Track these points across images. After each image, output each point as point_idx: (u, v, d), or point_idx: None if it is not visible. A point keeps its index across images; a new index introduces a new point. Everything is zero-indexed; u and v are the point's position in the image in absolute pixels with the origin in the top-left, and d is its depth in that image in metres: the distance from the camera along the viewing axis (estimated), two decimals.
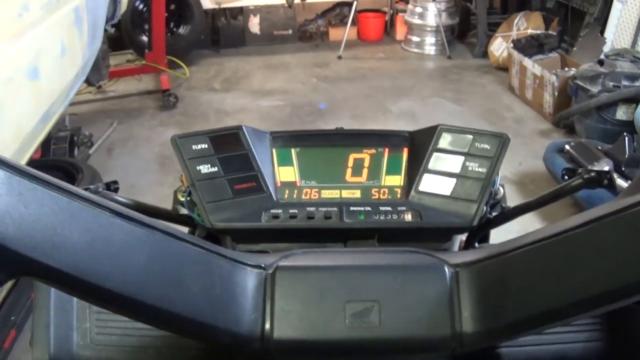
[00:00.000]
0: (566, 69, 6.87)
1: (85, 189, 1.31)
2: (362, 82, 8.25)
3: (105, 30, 5.97)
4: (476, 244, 1.48)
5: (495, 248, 0.90)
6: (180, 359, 1.10)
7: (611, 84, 5.83)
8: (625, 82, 5.78)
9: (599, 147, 4.96)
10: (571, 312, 0.80)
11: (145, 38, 8.09)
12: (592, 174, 1.33)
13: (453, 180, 1.29)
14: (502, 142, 1.30)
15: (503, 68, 8.28)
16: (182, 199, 1.35)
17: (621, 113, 5.75)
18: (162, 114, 7.23)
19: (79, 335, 1.11)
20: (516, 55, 7.44)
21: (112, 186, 1.46)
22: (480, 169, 1.28)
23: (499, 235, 1.23)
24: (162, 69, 7.50)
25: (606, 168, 1.34)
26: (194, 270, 0.84)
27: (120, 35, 8.40)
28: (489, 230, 1.49)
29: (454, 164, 1.30)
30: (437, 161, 1.32)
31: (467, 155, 1.30)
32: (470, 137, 1.31)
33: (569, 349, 1.10)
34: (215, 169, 1.29)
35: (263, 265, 0.91)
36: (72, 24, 4.40)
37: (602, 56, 6.42)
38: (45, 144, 5.37)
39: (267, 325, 0.87)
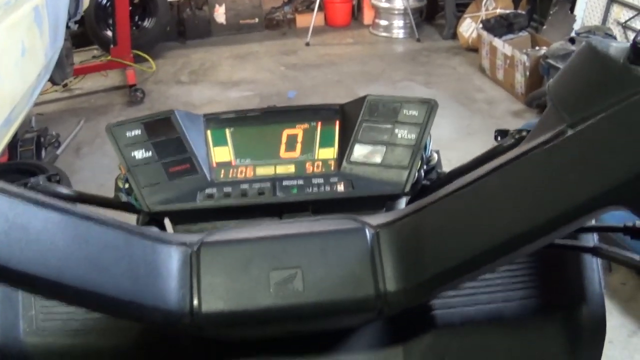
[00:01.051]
0: (537, 48, 6.85)
1: (26, 182, 1.38)
2: (331, 68, 8.19)
3: (68, 27, 5.88)
4: None
5: (413, 206, 0.92)
6: (121, 339, 1.11)
7: None
8: None
9: None
10: (487, 260, 0.83)
11: (110, 33, 7.89)
12: (524, 133, 1.29)
13: (383, 149, 1.30)
14: (430, 107, 1.31)
15: (473, 49, 8.24)
16: (122, 186, 1.35)
17: None
18: (130, 110, 7.13)
19: (25, 323, 1.12)
20: (486, 35, 7.41)
21: (52, 179, 1.46)
22: (409, 136, 1.29)
23: None
24: (128, 63, 7.40)
25: None
26: (116, 253, 0.85)
27: (85, 31, 8.23)
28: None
29: (383, 132, 1.32)
30: (366, 131, 1.33)
31: (396, 122, 1.31)
32: (398, 105, 1.33)
33: (504, 307, 1.11)
34: (150, 153, 1.30)
35: (187, 242, 0.94)
36: (33, 23, 4.30)
37: (572, 34, 6.38)
38: (12, 147, 5.28)
39: (195, 301, 0.90)
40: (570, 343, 1.11)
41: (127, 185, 1.32)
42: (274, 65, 8.43)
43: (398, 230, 0.92)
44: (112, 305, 0.84)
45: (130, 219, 1.37)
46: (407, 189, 1.27)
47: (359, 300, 0.90)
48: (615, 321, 3.89)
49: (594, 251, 1.07)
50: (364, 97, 1.36)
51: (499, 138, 1.37)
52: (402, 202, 1.38)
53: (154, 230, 1.01)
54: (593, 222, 1.08)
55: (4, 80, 3.71)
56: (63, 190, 1.42)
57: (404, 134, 1.30)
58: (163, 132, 1.32)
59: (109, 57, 7.50)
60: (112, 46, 7.44)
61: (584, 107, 0.75)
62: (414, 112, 1.31)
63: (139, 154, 1.29)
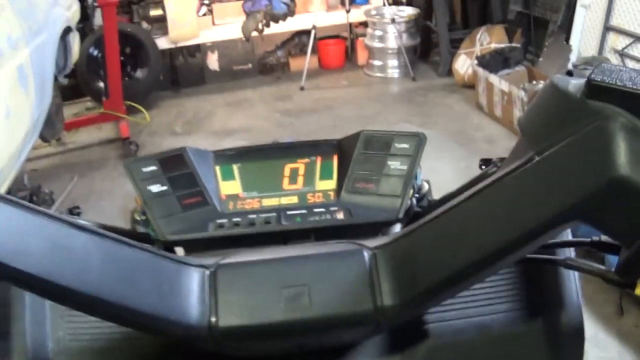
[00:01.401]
0: (534, 82, 6.74)
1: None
2: (327, 113, 8.10)
3: (58, 81, 5.83)
4: None
5: (406, 229, 1.04)
6: (144, 356, 1.18)
7: None
8: None
9: None
10: (471, 272, 0.94)
11: (102, 84, 7.82)
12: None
13: (378, 179, 1.40)
14: (420, 140, 1.41)
15: (469, 85, 8.13)
16: (138, 218, 1.44)
17: None
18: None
19: (53, 343, 1.18)
20: (481, 72, 7.33)
21: (74, 211, 1.57)
22: (401, 167, 1.40)
23: None
24: (121, 115, 7.31)
25: None
26: (144, 272, 0.96)
27: (78, 83, 8.21)
28: None
29: (378, 164, 1.41)
30: (362, 163, 1.43)
31: (389, 155, 1.41)
32: (390, 138, 1.43)
33: (491, 319, 1.20)
34: (165, 187, 1.38)
35: (206, 265, 1.04)
36: (16, 84, 4.21)
37: (570, 66, 6.30)
38: None
39: (213, 317, 0.99)
40: (552, 350, 1.19)
41: (144, 218, 1.39)
42: (268, 112, 8.35)
43: (392, 251, 1.03)
44: (140, 319, 0.93)
45: None
46: (401, 215, 1.36)
47: (360, 313, 1.00)
48: None
49: (565, 263, 1.13)
50: (359, 132, 1.45)
51: (483, 167, 1.44)
52: (397, 228, 1.42)
53: (176, 255, 1.12)
54: (569, 237, 1.20)
55: None
56: (84, 222, 1.37)
57: (397, 165, 1.40)
58: (176, 167, 1.40)
59: (102, 110, 7.41)
60: (104, 98, 7.35)
61: (548, 136, 0.87)
62: (405, 145, 1.41)
63: (155, 188, 1.37)
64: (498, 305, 1.21)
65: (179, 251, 1.43)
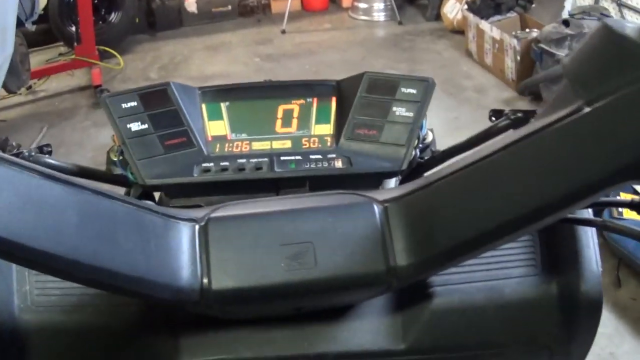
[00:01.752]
0: (527, 30, 6.53)
1: (18, 154, 1.41)
2: (309, 57, 7.87)
3: (25, 27, 5.61)
4: None
5: (420, 182, 0.96)
6: (120, 315, 1.11)
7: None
8: None
9: None
10: (499, 234, 0.87)
11: (74, 29, 7.46)
12: (519, 114, 1.37)
13: (381, 126, 1.34)
14: (428, 86, 1.36)
15: (459, 31, 7.90)
16: (115, 159, 1.39)
17: None
18: (96, 113, 6.75)
19: (19, 299, 1.11)
20: (472, 18, 7.09)
21: (44, 149, 1.50)
22: (407, 114, 1.33)
23: None
24: (93, 62, 7.06)
25: None
26: (127, 227, 0.87)
27: (50, 28, 7.90)
28: (421, 175, 1.50)
29: (382, 109, 1.35)
30: (364, 108, 1.36)
31: (394, 100, 1.35)
32: (397, 82, 1.36)
33: (503, 284, 1.14)
34: (146, 126, 1.31)
35: (195, 218, 0.96)
36: None
37: (565, 14, 6.10)
38: None
39: (205, 278, 0.91)
40: (567, 320, 1.14)
41: (121, 158, 1.36)
42: (248, 56, 8.09)
43: (406, 205, 0.96)
44: (123, 283, 0.85)
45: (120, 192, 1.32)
46: (405, 166, 1.31)
47: (371, 274, 0.94)
48: (627, 345, 3.56)
49: (604, 225, 1.08)
50: (362, 74, 1.39)
51: (493, 118, 1.44)
52: (393, 181, 1.41)
53: (160, 206, 1.00)
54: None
55: None
56: (55, 162, 1.44)
57: (402, 112, 1.34)
58: (159, 104, 1.33)
59: (74, 56, 7.15)
60: (76, 44, 7.09)
61: (601, 84, 0.77)
62: (412, 90, 1.35)
63: (134, 126, 1.31)
64: (510, 269, 1.16)
65: (159, 197, 1.44)
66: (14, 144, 4.50)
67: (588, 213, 1.16)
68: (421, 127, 1.36)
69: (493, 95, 6.43)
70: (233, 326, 1.09)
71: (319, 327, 1.09)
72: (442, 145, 1.50)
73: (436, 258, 0.92)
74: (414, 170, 1.42)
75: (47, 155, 1.47)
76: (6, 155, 0.77)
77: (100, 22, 8.03)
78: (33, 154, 1.43)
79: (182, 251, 0.92)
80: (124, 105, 1.32)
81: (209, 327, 1.08)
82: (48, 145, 1.52)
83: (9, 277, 1.11)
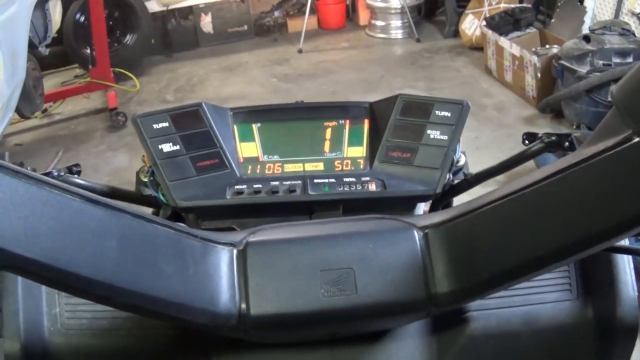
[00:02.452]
0: (547, 46, 6.50)
1: (47, 174, 1.34)
2: (327, 77, 7.83)
3: (39, 50, 5.64)
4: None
5: (461, 207, 0.94)
6: (152, 339, 1.09)
7: (601, 62, 5.41)
8: (616, 60, 5.38)
9: None
10: (543, 263, 0.84)
11: (89, 51, 7.48)
12: (553, 137, 1.35)
13: (415, 149, 1.33)
14: (463, 109, 1.34)
15: (477, 47, 7.84)
16: (145, 180, 1.38)
17: None
18: (111, 136, 6.76)
19: (49, 321, 1.09)
20: (491, 34, 7.00)
21: (74, 169, 1.47)
22: (441, 137, 1.32)
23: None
24: (109, 84, 7.02)
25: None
26: (167, 252, 0.85)
27: (66, 50, 7.98)
28: (452, 198, 1.55)
29: (416, 132, 1.34)
30: (398, 130, 1.35)
31: (428, 123, 1.34)
32: (431, 105, 1.35)
33: (539, 309, 1.13)
34: (177, 147, 1.30)
35: (233, 242, 0.94)
36: None
37: (585, 28, 6.07)
38: None
39: (243, 303, 0.89)
40: (602, 346, 1.12)
41: (152, 179, 1.35)
42: (264, 76, 8.07)
43: (447, 232, 0.93)
44: (161, 307, 0.83)
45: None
46: (439, 190, 1.30)
47: (411, 301, 0.92)
48: None
49: None
50: (396, 96, 1.39)
51: (527, 142, 1.42)
52: (424, 203, 1.42)
53: (197, 229, 0.96)
54: None
55: None
56: (83, 182, 1.42)
57: (436, 135, 1.32)
58: (191, 124, 1.32)
59: (89, 78, 7.10)
60: (91, 66, 7.07)
61: None
62: (447, 113, 1.34)
63: (166, 147, 1.30)
64: (546, 294, 1.14)
65: (189, 218, 1.40)
66: (28, 168, 4.49)
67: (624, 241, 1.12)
68: (455, 150, 1.35)
69: (514, 114, 6.37)
70: (268, 350, 1.07)
71: (355, 352, 1.07)
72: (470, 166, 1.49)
73: (476, 286, 0.91)
74: (446, 193, 1.42)
75: (76, 176, 1.45)
76: (47, 178, 0.75)
77: (116, 44, 8.10)
78: (62, 174, 1.41)
79: (220, 276, 0.90)
80: (155, 126, 1.31)
81: (244, 351, 1.07)
82: (77, 165, 1.49)
83: (39, 299, 1.10)
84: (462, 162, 1.44)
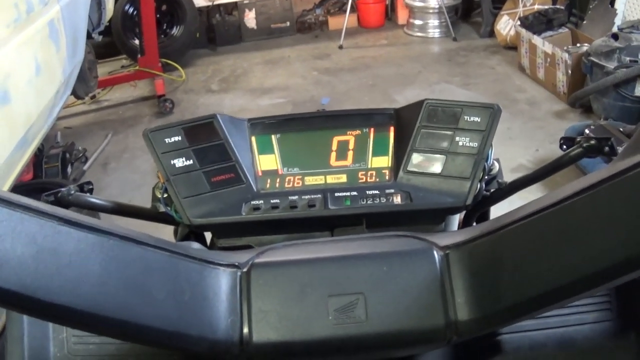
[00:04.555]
0: (578, 44, 6.61)
1: (56, 193, 1.36)
2: (366, 71, 7.98)
3: (92, 38, 5.78)
4: (474, 224, 1.43)
5: (487, 225, 0.86)
6: None
7: (628, 59, 5.55)
8: None
9: (621, 129, 4.71)
10: (573, 292, 0.76)
11: (137, 42, 7.74)
12: (592, 141, 1.27)
13: (443, 158, 1.25)
14: (494, 113, 1.25)
15: (512, 47, 7.99)
16: (160, 196, 1.31)
17: None
18: (159, 121, 6.97)
19: (55, 347, 1.07)
20: (524, 33, 7.16)
21: (85, 187, 1.43)
22: (471, 144, 1.24)
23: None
24: (157, 73, 7.25)
25: None
26: (158, 276, 0.80)
27: (113, 41, 8.19)
28: (487, 208, 1.45)
29: (443, 140, 1.26)
30: (425, 138, 1.27)
31: (457, 129, 1.26)
32: (459, 110, 1.27)
33: (576, 331, 1.06)
34: (191, 161, 1.25)
35: (236, 264, 0.89)
36: (47, 39, 4.14)
37: (615, 29, 6.18)
38: (37, 164, 5.19)
39: (245, 329, 0.84)
40: None
41: (165, 195, 1.28)
42: (306, 70, 8.25)
43: (470, 252, 0.86)
44: (153, 336, 0.78)
45: (168, 230, 1.41)
46: (470, 201, 1.21)
47: (428, 330, 0.85)
48: None
49: None
50: (421, 102, 1.29)
51: (564, 147, 1.33)
52: (458, 215, 1.36)
53: (196, 247, 0.97)
54: None
55: (15, 102, 3.53)
56: (97, 200, 1.39)
57: (466, 142, 1.25)
58: (205, 138, 1.26)
59: (137, 67, 7.34)
60: (139, 56, 7.29)
61: None
62: (476, 118, 1.25)
63: (179, 162, 1.24)
64: (585, 314, 1.08)
65: (207, 236, 1.36)
66: (79, 148, 4.70)
67: None
68: (487, 158, 1.26)
69: (545, 108, 6.52)
70: None
71: None
72: (497, 155, 1.38)
73: (502, 314, 0.82)
74: (479, 204, 1.32)
75: (87, 194, 1.41)
76: (20, 199, 0.71)
77: (162, 36, 8.28)
78: (72, 192, 1.37)
79: (221, 300, 0.85)
80: (167, 140, 1.26)
81: None
82: (89, 182, 1.45)
83: (45, 324, 1.08)
84: (495, 170, 1.35)
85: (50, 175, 5.23)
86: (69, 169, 5.52)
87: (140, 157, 6.16)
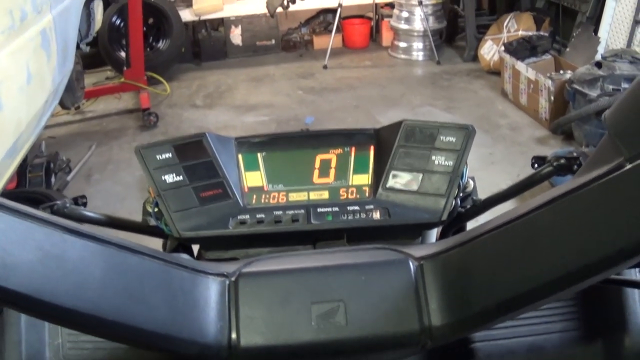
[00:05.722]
0: (561, 71, 6.66)
1: (52, 206, 1.38)
2: (350, 92, 8.04)
3: (79, 48, 5.77)
4: None
5: (458, 238, 0.90)
6: None
7: (611, 87, 5.62)
8: (625, 85, 5.55)
9: None
10: (538, 296, 0.80)
11: (123, 54, 7.81)
12: (562, 160, 1.33)
13: (420, 176, 1.29)
14: (468, 134, 1.29)
15: (495, 72, 8.07)
16: (150, 210, 1.35)
17: None
18: (143, 135, 7.00)
19: (51, 352, 1.11)
20: (508, 59, 7.23)
21: (79, 201, 1.46)
22: (447, 163, 1.28)
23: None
24: (142, 86, 7.28)
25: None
26: (153, 283, 0.84)
27: (98, 52, 8.18)
28: (464, 224, 1.49)
29: (420, 159, 1.30)
30: (403, 157, 1.31)
31: (433, 149, 1.29)
32: (436, 130, 1.31)
33: (544, 340, 1.11)
34: (181, 177, 1.29)
35: (225, 273, 0.93)
36: (39, 48, 4.14)
37: (598, 57, 6.24)
38: (21, 173, 5.17)
39: (234, 334, 0.88)
40: None
41: (156, 210, 1.32)
42: (290, 88, 8.29)
43: (443, 262, 0.90)
44: (148, 338, 0.82)
45: (157, 243, 1.44)
46: (445, 217, 1.25)
47: (404, 334, 0.88)
48: None
49: None
50: (400, 122, 1.33)
51: (536, 165, 1.37)
52: (435, 230, 1.38)
53: (188, 258, 0.97)
54: None
55: (6, 109, 3.54)
56: (91, 214, 1.42)
57: (441, 161, 1.28)
58: (194, 155, 1.30)
59: (122, 79, 7.38)
60: (125, 68, 7.31)
61: None
62: (452, 139, 1.29)
63: (169, 178, 1.28)
64: (553, 324, 1.12)
65: (195, 248, 1.39)
66: (63, 158, 4.71)
67: (635, 272, 1.14)
68: (462, 176, 1.30)
69: (527, 134, 6.57)
70: None
71: None
72: (479, 178, 1.46)
73: (473, 319, 0.86)
74: (455, 220, 1.37)
75: (82, 207, 1.45)
76: (28, 209, 0.75)
77: (148, 49, 8.29)
78: (68, 205, 1.41)
79: (210, 307, 0.89)
80: (158, 157, 1.30)
81: None
82: (83, 196, 1.49)
83: (41, 330, 1.11)
84: (470, 187, 1.40)
85: (34, 184, 5.21)
86: (53, 179, 5.50)
87: (124, 169, 6.16)
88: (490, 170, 5.64)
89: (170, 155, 1.30)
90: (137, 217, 1.44)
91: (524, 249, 0.81)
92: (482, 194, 1.42)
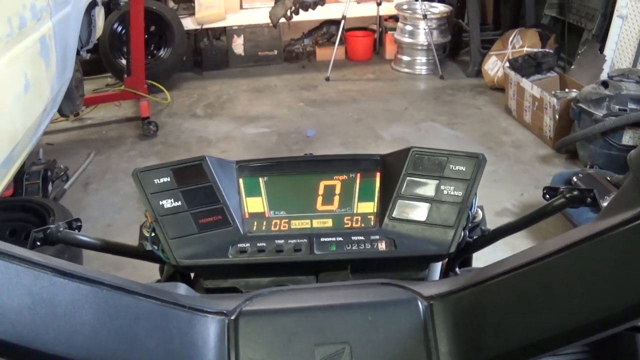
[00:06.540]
0: (566, 89, 6.64)
1: (45, 230, 1.36)
2: (352, 105, 7.97)
3: (80, 55, 5.72)
4: (457, 269, 1.46)
5: (471, 276, 0.87)
6: None
7: (617, 107, 5.54)
8: (632, 106, 5.50)
9: (608, 178, 4.68)
10: (553, 345, 0.76)
11: (124, 61, 7.74)
12: (575, 192, 1.30)
13: (428, 205, 1.26)
14: (478, 163, 1.27)
15: (499, 88, 8.01)
16: (147, 234, 1.32)
17: (627, 138, 5.46)
18: (142, 144, 6.94)
19: None
20: (513, 75, 7.17)
21: (74, 224, 1.45)
22: (456, 193, 1.26)
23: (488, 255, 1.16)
24: (142, 94, 7.21)
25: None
26: (149, 324, 0.80)
27: (99, 59, 8.13)
28: (470, 254, 1.47)
29: (428, 188, 1.27)
30: (410, 186, 1.28)
31: (442, 178, 1.27)
32: (445, 159, 1.29)
33: None
34: (179, 203, 1.26)
35: (225, 312, 0.89)
36: (38, 55, 4.07)
37: (603, 75, 6.20)
38: (18, 180, 5.10)
39: None
40: None
41: (153, 235, 1.28)
42: (292, 100, 8.23)
43: (454, 303, 0.87)
44: None
45: (153, 265, 1.43)
46: (453, 249, 1.22)
47: None
48: None
49: None
50: (408, 149, 1.31)
51: (547, 196, 1.35)
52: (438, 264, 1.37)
53: (183, 289, 0.99)
54: None
55: (2, 118, 3.48)
56: (85, 238, 1.40)
57: (450, 191, 1.26)
58: (193, 179, 1.28)
59: (123, 87, 7.32)
60: (126, 76, 7.26)
61: None
62: (461, 167, 1.27)
63: (167, 203, 1.25)
64: None
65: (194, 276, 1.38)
66: (61, 166, 4.63)
67: None
68: (471, 207, 1.28)
69: (530, 152, 6.50)
70: None
71: None
72: (482, 197, 1.38)
73: None
74: (463, 250, 1.34)
75: (76, 231, 1.43)
76: (16, 251, 0.71)
77: (149, 57, 8.24)
78: (62, 229, 1.38)
79: (209, 348, 0.85)
80: (156, 181, 1.27)
81: None
82: (77, 219, 1.47)
83: None
84: (479, 218, 1.38)
85: (31, 192, 5.15)
86: (50, 187, 5.43)
87: (122, 179, 6.09)
88: (493, 188, 5.57)
89: (169, 179, 1.27)
90: (134, 228, 1.39)
91: (541, 295, 0.77)
92: (485, 210, 1.41)
